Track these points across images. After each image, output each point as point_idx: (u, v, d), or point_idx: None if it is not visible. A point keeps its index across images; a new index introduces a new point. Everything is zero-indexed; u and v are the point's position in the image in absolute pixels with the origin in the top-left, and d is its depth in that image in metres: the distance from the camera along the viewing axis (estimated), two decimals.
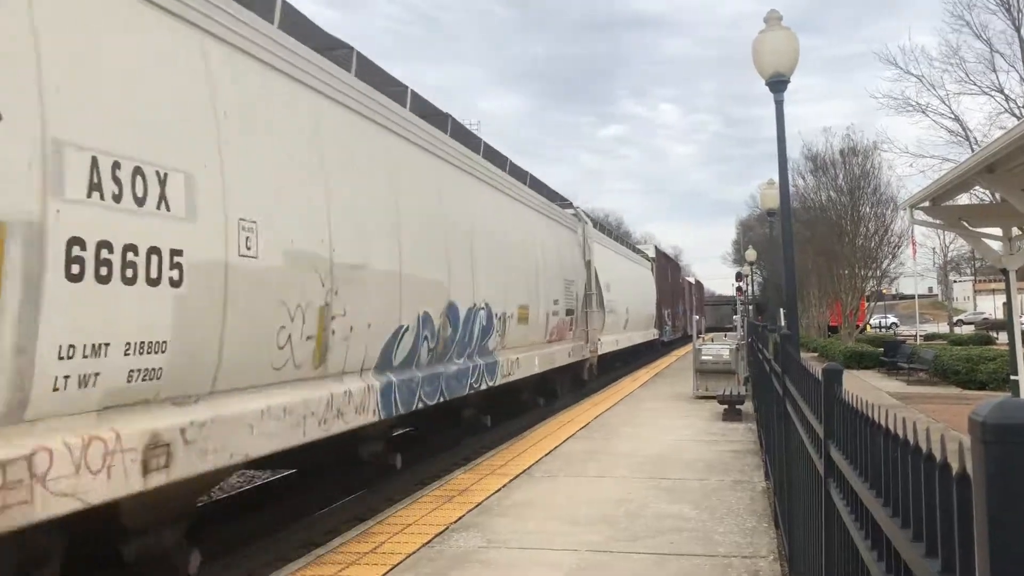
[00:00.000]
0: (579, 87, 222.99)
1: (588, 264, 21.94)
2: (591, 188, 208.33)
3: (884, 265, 38.83)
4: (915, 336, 45.33)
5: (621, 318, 27.90)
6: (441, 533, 7.37)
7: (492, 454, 11.77)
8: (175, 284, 5.66)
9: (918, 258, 47.62)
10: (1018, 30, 25.47)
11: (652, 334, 37.71)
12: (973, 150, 22.45)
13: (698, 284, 73.68)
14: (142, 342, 5.38)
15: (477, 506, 8.40)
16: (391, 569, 6.37)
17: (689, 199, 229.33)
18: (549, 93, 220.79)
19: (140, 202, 5.36)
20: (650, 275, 37.87)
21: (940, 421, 13.87)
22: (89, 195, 4.98)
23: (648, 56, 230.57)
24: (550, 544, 6.99)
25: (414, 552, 6.81)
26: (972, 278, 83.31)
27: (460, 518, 7.91)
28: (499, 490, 9.14)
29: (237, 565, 8.22)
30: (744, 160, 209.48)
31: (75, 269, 4.86)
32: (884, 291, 51.17)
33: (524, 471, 10.22)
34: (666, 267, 45.44)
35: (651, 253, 40.25)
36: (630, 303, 30.41)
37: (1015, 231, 16.22)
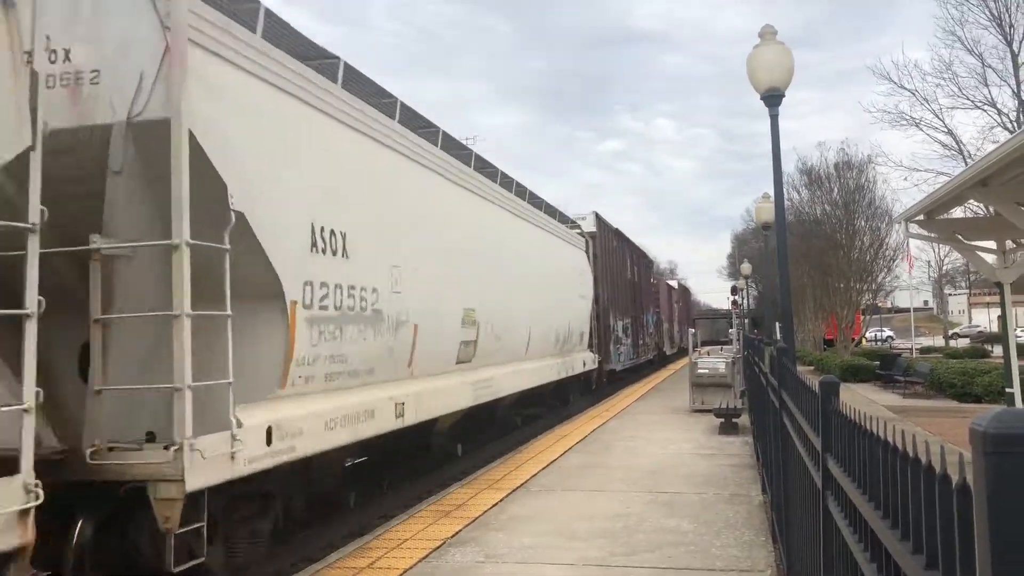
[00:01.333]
0: (577, 103, 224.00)
1: None
2: (591, 203, 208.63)
3: (879, 278, 38.89)
4: (911, 349, 45.36)
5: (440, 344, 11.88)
6: (438, 548, 7.35)
7: (489, 468, 11.74)
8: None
9: (914, 271, 47.68)
10: (1010, 45, 25.69)
11: (577, 363, 21.43)
12: (967, 164, 22.56)
13: (684, 289, 62.21)
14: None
15: (474, 520, 8.37)
16: None
17: (688, 214, 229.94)
18: (548, 108, 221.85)
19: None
20: (584, 263, 22.81)
21: (937, 434, 13.87)
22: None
23: (646, 72, 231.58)
24: (548, 559, 6.97)
25: (411, 567, 6.79)
26: (967, 291, 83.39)
27: (457, 533, 7.88)
28: (496, 504, 9.12)
29: None
30: (742, 175, 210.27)
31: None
32: (879, 304, 51.25)
33: (521, 485, 10.19)
34: (622, 254, 29.32)
35: (589, 227, 24.37)
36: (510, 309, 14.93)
37: (1009, 244, 16.28)
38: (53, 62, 5.95)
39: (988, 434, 1.11)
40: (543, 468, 11.39)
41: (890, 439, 1.91)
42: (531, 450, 13.24)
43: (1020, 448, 1.09)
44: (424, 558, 7.03)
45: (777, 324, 26.73)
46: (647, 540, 7.49)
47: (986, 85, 26.65)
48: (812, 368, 35.01)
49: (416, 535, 7.85)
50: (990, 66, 26.30)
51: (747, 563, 6.74)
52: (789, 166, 41.77)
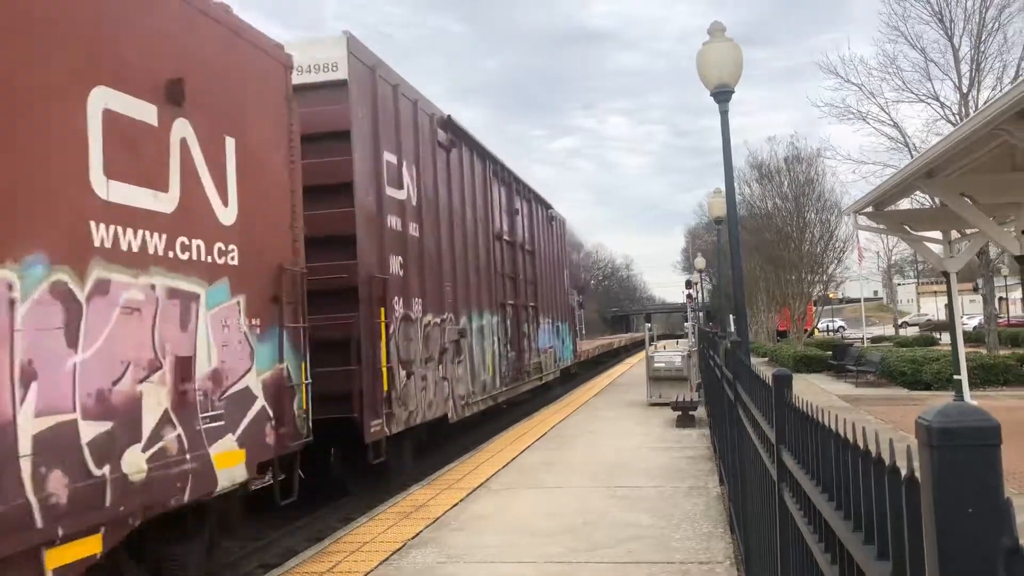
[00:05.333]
0: (532, 101, 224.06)
1: None
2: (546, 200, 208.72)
3: (830, 270, 39.52)
4: (862, 339, 46.17)
5: None
6: (399, 550, 7.32)
7: (449, 468, 11.72)
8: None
9: (863, 263, 48.54)
10: (951, 39, 26.21)
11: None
12: (912, 156, 23.01)
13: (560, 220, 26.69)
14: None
15: (435, 521, 8.35)
16: None
17: (640, 210, 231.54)
18: (502, 107, 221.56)
19: None
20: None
21: (889, 423, 14.14)
22: None
23: (600, 70, 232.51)
24: (509, 557, 6.97)
25: (372, 570, 6.75)
26: (915, 281, 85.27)
27: (418, 534, 7.86)
28: (457, 504, 9.10)
29: None
30: (693, 171, 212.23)
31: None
32: (831, 295, 52.08)
33: (482, 484, 10.18)
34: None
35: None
36: None
37: (954, 234, 16.66)
38: None
39: (933, 428, 1.13)
40: (503, 466, 11.39)
41: (842, 432, 1.94)
42: (491, 448, 13.24)
43: (963, 441, 1.11)
44: (385, 560, 7.00)
45: (731, 317, 27.04)
46: (608, 535, 7.53)
47: (929, 79, 27.16)
48: (766, 359, 35.46)
49: (377, 537, 7.80)
50: (933, 60, 26.80)
51: (706, 555, 6.81)
52: (740, 160, 42.33)
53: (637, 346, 53.50)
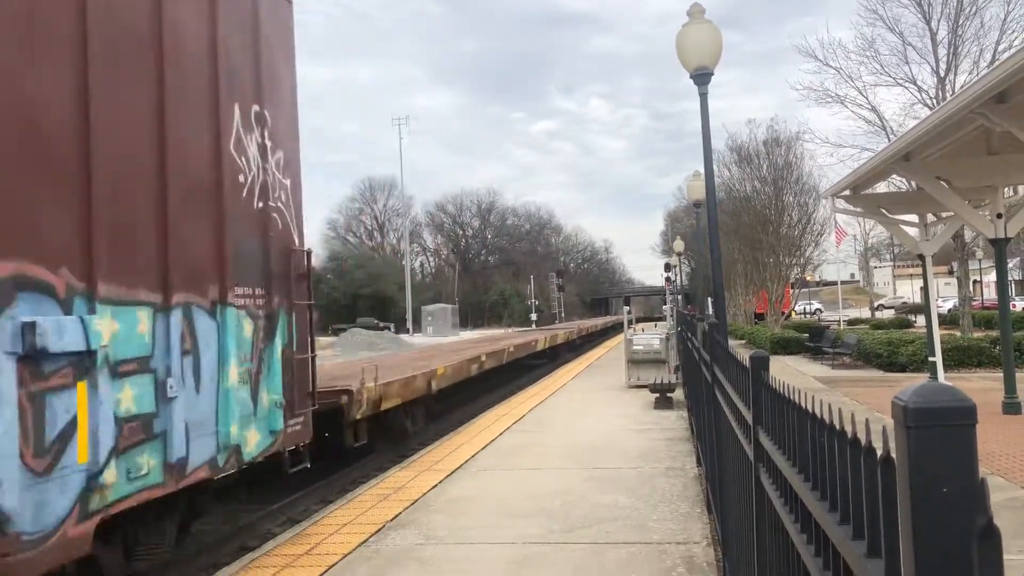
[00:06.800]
0: (511, 83, 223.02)
1: None
2: (526, 183, 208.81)
3: (807, 253, 39.81)
4: (838, 321, 46.58)
5: None
6: (377, 532, 7.32)
7: (428, 450, 11.73)
8: None
9: (840, 245, 48.86)
10: (928, 23, 26.31)
11: None
12: (890, 140, 23.15)
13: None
14: None
15: (414, 503, 8.36)
16: (327, 570, 6.30)
17: (620, 193, 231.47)
18: (482, 89, 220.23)
19: None
20: None
21: (864, 403, 14.28)
22: None
23: (580, 53, 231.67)
24: (488, 538, 6.99)
25: (350, 552, 6.74)
26: (892, 264, 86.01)
27: (396, 516, 7.86)
28: (436, 486, 9.11)
29: (169, 573, 8.03)
30: (672, 154, 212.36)
31: None
32: (808, 278, 52.47)
33: (460, 466, 10.20)
34: None
35: None
36: None
37: (930, 217, 16.80)
38: None
39: (909, 408, 1.13)
40: (483, 448, 11.41)
41: (818, 413, 1.94)
42: (469, 431, 13.26)
43: (940, 421, 1.11)
44: (363, 542, 7.00)
45: (709, 300, 27.17)
46: (586, 516, 7.57)
47: (907, 63, 27.25)
48: (744, 342, 35.71)
49: (355, 519, 7.80)
50: (910, 44, 26.90)
51: (683, 535, 6.86)
52: (719, 143, 42.41)
53: (613, 329, 53.29)
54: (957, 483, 1.10)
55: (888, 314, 61.69)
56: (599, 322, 63.29)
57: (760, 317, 42.04)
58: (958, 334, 24.50)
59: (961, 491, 1.09)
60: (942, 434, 1.11)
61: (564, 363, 30.98)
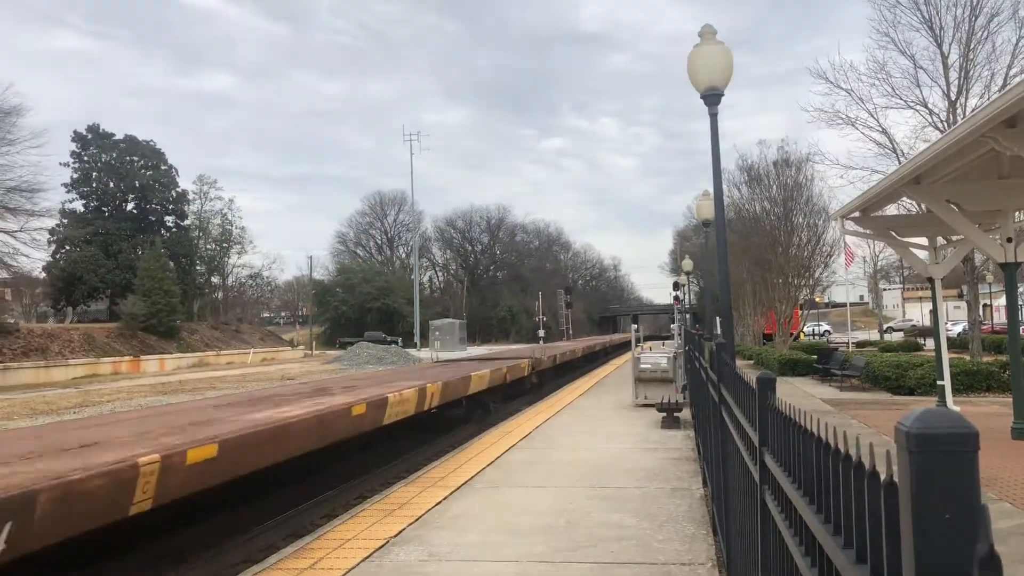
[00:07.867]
0: (522, 101, 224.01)
1: None
2: (535, 200, 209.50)
3: (817, 274, 39.68)
4: (847, 343, 46.42)
5: None
6: (381, 547, 7.30)
7: (433, 466, 11.71)
8: None
9: (850, 267, 48.74)
10: (940, 47, 26.33)
11: None
12: (900, 162, 23.12)
13: None
14: None
15: (418, 519, 8.34)
16: None
17: (630, 211, 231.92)
18: (493, 106, 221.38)
19: None
20: None
21: (871, 427, 14.21)
22: None
23: (592, 72, 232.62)
24: (491, 556, 6.97)
25: (353, 567, 6.73)
26: (901, 286, 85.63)
27: (400, 531, 7.84)
28: (440, 502, 9.10)
29: None
30: (683, 172, 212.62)
31: None
32: (817, 299, 52.31)
33: (466, 482, 10.18)
34: None
35: None
36: None
37: (940, 240, 16.76)
38: None
39: (911, 433, 1.13)
40: (488, 464, 11.39)
41: (823, 436, 1.94)
42: (475, 447, 13.23)
43: (941, 447, 1.12)
44: (367, 558, 6.99)
45: (717, 319, 27.10)
46: (591, 535, 7.54)
47: (918, 86, 27.25)
48: (751, 362, 35.59)
49: (359, 534, 7.79)
50: (922, 67, 26.91)
51: (688, 556, 6.82)
52: (729, 163, 42.47)
53: (619, 348, 53.08)
54: (959, 509, 1.10)
55: (897, 337, 61.42)
56: (605, 340, 63.38)
57: (768, 338, 41.90)
58: (967, 358, 24.37)
59: (963, 517, 1.10)
60: (944, 460, 1.11)
61: (571, 380, 30.91)
